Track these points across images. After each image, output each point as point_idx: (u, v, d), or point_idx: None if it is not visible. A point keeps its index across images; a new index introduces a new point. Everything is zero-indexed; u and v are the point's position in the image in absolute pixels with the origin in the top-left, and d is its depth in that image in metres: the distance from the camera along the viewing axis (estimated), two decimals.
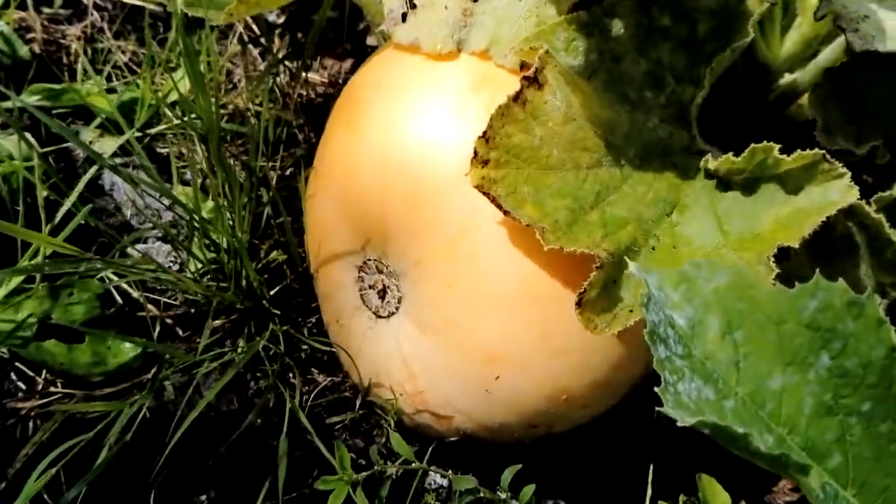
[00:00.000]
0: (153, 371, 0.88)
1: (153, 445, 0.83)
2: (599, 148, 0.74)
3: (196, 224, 0.88)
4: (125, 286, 0.94)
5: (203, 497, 0.85)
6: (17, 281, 0.85)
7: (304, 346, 0.95)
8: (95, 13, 1.22)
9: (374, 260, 0.83)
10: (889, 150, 0.81)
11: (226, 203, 0.90)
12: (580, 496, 0.91)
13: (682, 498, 0.89)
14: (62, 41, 1.17)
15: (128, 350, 0.88)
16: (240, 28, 1.22)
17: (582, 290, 0.69)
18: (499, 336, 0.75)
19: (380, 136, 0.78)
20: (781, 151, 0.69)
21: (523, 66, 0.75)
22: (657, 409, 0.48)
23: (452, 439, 0.85)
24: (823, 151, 0.67)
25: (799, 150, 0.67)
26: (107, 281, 0.92)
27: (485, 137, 0.68)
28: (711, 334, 0.50)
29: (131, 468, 0.84)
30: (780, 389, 0.50)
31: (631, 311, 0.71)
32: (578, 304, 0.69)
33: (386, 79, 0.80)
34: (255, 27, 1.24)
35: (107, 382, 0.87)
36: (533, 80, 0.70)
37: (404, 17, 0.79)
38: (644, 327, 0.77)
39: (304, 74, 1.16)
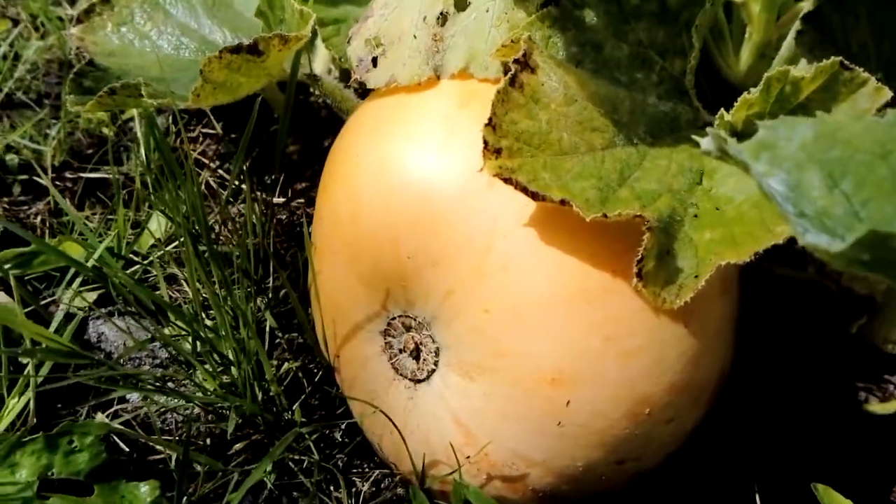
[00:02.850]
0: None
1: None
2: (608, 128, 0.69)
3: (201, 334, 0.79)
4: (129, 431, 0.83)
5: None
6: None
7: (339, 455, 0.84)
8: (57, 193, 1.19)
9: (400, 316, 0.75)
10: (887, 82, 0.78)
11: (228, 309, 0.82)
12: None
13: None
14: (26, 220, 1.12)
15: (144, 495, 0.77)
16: (207, 176, 1.20)
17: (639, 257, 0.62)
18: (558, 351, 0.67)
19: (378, 176, 0.73)
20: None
21: (506, 72, 0.72)
22: (799, 244, 0.40)
23: None
24: (840, 58, 0.64)
25: (816, 64, 0.64)
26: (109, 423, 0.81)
27: (491, 125, 0.63)
28: (816, 192, 0.43)
29: None
30: None
31: (696, 276, 0.64)
32: (639, 275, 0.62)
33: (371, 125, 0.76)
34: (222, 172, 1.22)
35: None
36: (524, 65, 0.66)
37: (374, 61, 0.77)
38: (711, 312, 0.71)
39: (273, 201, 1.12)
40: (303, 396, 0.89)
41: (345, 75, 1.00)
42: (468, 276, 0.69)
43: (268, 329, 0.94)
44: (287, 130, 1.22)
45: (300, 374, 0.91)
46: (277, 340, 0.95)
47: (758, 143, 0.45)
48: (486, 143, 0.63)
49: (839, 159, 0.43)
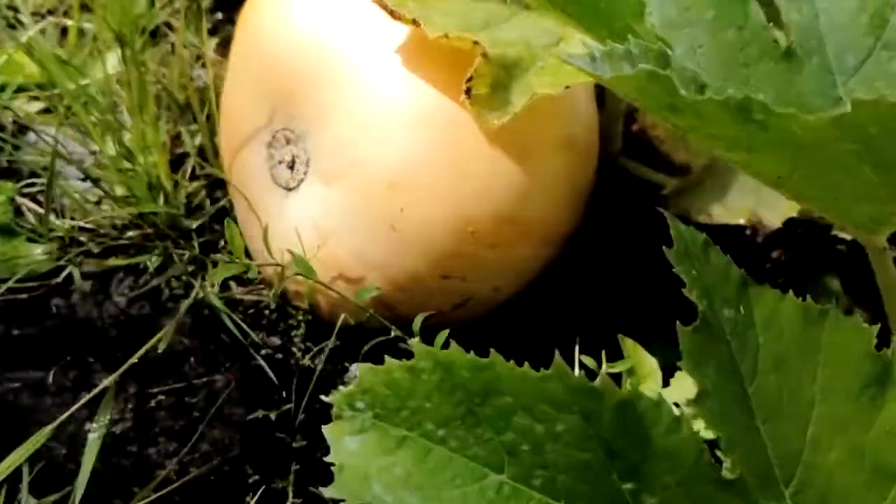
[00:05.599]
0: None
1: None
2: None
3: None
4: (38, 209, 0.94)
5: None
6: None
7: (220, 256, 0.94)
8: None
9: (282, 129, 0.85)
10: None
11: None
12: None
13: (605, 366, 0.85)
14: None
15: (39, 254, 0.87)
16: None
17: (468, 77, 0.71)
18: (402, 160, 0.77)
19: None
20: None
21: None
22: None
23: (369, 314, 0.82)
24: None
25: None
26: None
27: None
28: None
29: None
30: None
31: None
32: (467, 93, 0.72)
33: None
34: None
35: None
36: None
37: None
38: (545, 162, 0.80)
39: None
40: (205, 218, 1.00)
41: None
42: (337, 92, 0.79)
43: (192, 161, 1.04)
44: None
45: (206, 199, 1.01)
46: (197, 172, 1.04)
47: None
48: None
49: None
